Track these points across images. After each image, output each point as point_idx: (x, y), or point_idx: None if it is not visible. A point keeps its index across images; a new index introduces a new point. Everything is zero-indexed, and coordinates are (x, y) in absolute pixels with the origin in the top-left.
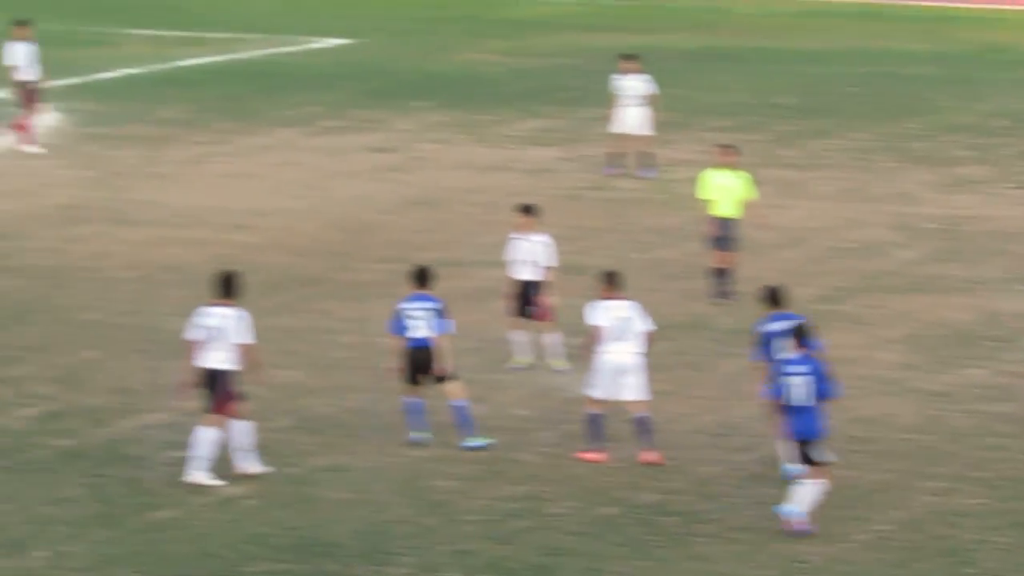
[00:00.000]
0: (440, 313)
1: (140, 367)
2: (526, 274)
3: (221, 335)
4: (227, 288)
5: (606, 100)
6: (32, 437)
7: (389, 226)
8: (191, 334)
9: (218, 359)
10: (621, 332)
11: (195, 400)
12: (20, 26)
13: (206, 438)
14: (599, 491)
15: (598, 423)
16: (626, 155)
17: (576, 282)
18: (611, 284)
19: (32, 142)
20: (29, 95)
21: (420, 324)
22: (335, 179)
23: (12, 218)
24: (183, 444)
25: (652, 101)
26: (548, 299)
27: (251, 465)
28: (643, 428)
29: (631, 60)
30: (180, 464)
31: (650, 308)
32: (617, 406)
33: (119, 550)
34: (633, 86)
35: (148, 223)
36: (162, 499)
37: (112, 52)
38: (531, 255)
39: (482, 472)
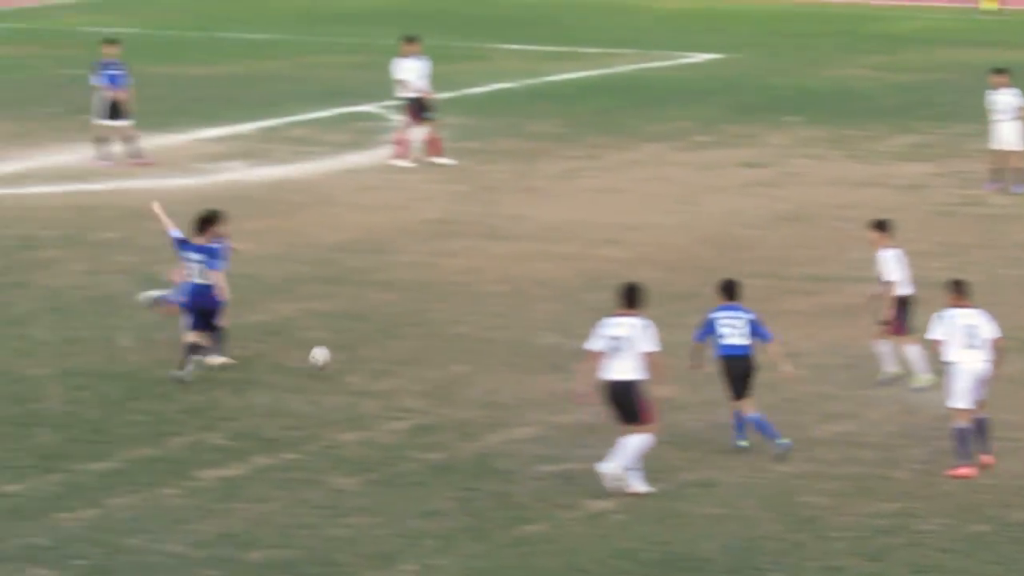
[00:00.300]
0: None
1: (509, 381)
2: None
3: (628, 345)
4: (632, 298)
5: (980, 115)
6: (402, 451)
7: (759, 241)
8: (594, 345)
9: (625, 369)
10: (970, 340)
11: (594, 410)
12: (409, 42)
13: (635, 445)
14: (971, 508)
15: (966, 437)
16: (1003, 170)
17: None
18: (959, 292)
19: (405, 157)
20: (415, 110)
21: (735, 333)
22: (705, 194)
23: (384, 232)
24: (553, 458)
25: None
26: (890, 312)
27: (637, 483)
28: (981, 430)
29: (1002, 74)
30: (550, 478)
31: (1021, 324)
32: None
33: (487, 564)
34: (1005, 101)
35: (518, 237)
36: (531, 513)
37: (485, 67)
38: (885, 270)
39: (852, 488)
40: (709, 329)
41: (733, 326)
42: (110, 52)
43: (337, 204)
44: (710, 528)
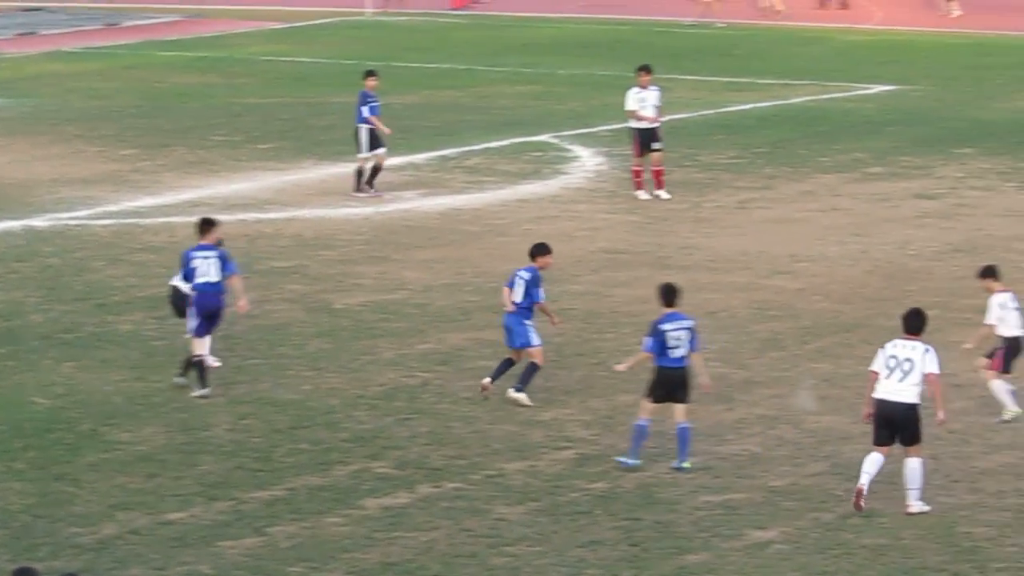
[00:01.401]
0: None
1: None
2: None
3: (911, 367)
4: (917, 323)
5: None
6: (566, 480)
7: (930, 273)
8: (875, 366)
9: (906, 392)
10: None
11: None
12: (644, 72)
13: (916, 468)
14: None
15: None
16: None
17: None
18: None
19: (641, 188)
20: (640, 141)
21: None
22: (878, 225)
23: (556, 261)
24: (716, 488)
25: None
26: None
27: (915, 503)
28: None
29: None
30: (711, 508)
31: None
32: None
33: None
34: None
35: (689, 268)
36: (692, 543)
37: (664, 97)
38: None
39: (1014, 520)
40: (658, 340)
41: (678, 338)
42: (372, 84)
43: (510, 234)
44: (872, 559)
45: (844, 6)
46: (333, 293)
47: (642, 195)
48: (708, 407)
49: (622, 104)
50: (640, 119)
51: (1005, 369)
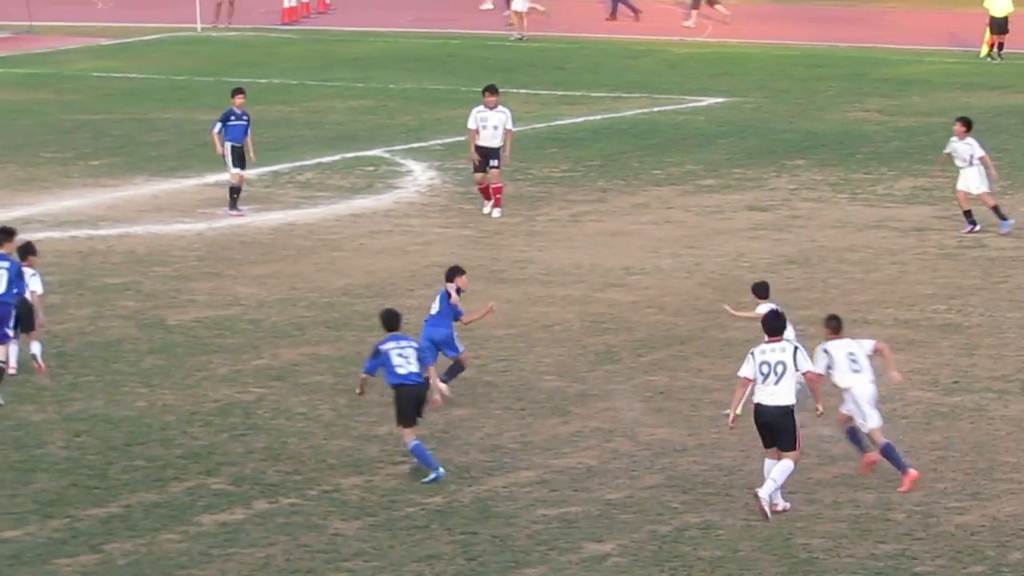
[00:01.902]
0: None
1: (512, 425)
2: None
3: (784, 369)
4: (777, 324)
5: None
6: (402, 494)
7: None
8: (744, 371)
9: (782, 395)
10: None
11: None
12: (489, 93)
13: (787, 467)
14: (968, 550)
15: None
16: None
17: (952, 340)
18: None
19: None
20: (483, 159)
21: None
22: (711, 237)
23: (390, 276)
24: (552, 501)
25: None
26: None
27: (766, 495)
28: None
29: (963, 123)
30: (548, 521)
31: (1022, 366)
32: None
33: None
34: (961, 148)
35: (523, 281)
36: (530, 557)
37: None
38: None
39: (850, 530)
40: (382, 361)
41: (405, 356)
42: (239, 102)
43: (343, 249)
44: (709, 571)
45: (636, 18)
46: (167, 309)
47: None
48: (543, 420)
49: (454, 118)
50: (478, 139)
51: None
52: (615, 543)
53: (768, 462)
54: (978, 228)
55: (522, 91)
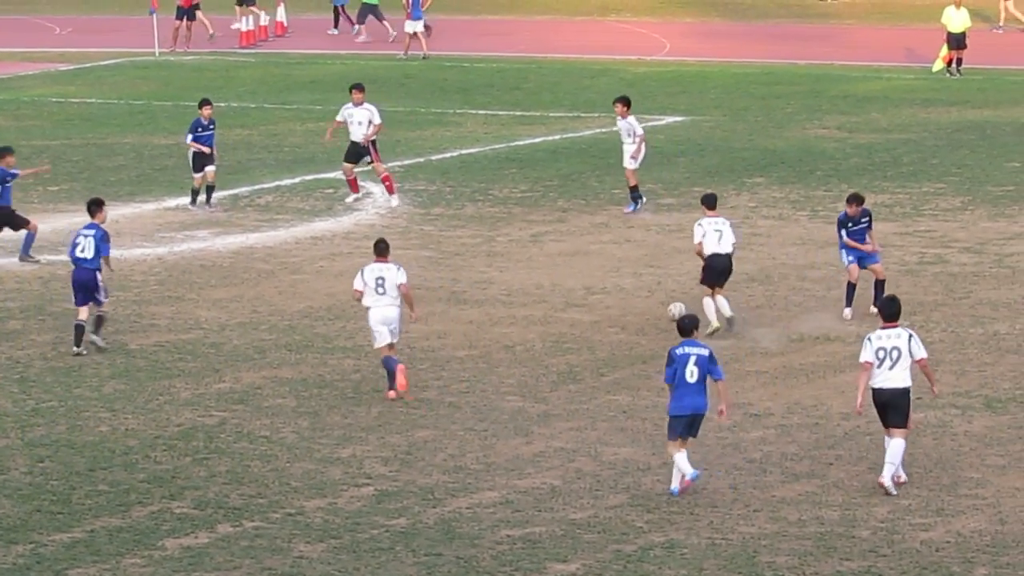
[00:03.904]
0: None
1: (475, 445)
2: None
3: (899, 355)
4: (893, 310)
5: (945, 174)
6: (366, 516)
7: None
8: (864, 356)
9: (898, 378)
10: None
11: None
12: (356, 90)
13: (900, 445)
14: (934, 566)
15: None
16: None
17: None
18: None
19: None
20: (354, 153)
21: None
22: (672, 256)
23: (350, 298)
24: (517, 522)
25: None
26: None
27: (888, 479)
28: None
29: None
30: (512, 542)
31: (985, 382)
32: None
33: None
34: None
35: (484, 302)
36: None
37: (452, 132)
38: None
39: (815, 548)
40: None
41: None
42: (206, 113)
43: (304, 271)
44: None
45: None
46: (128, 334)
47: (351, 199)
48: (506, 441)
49: (413, 140)
50: (332, 134)
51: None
52: (579, 563)
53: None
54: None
55: (480, 112)
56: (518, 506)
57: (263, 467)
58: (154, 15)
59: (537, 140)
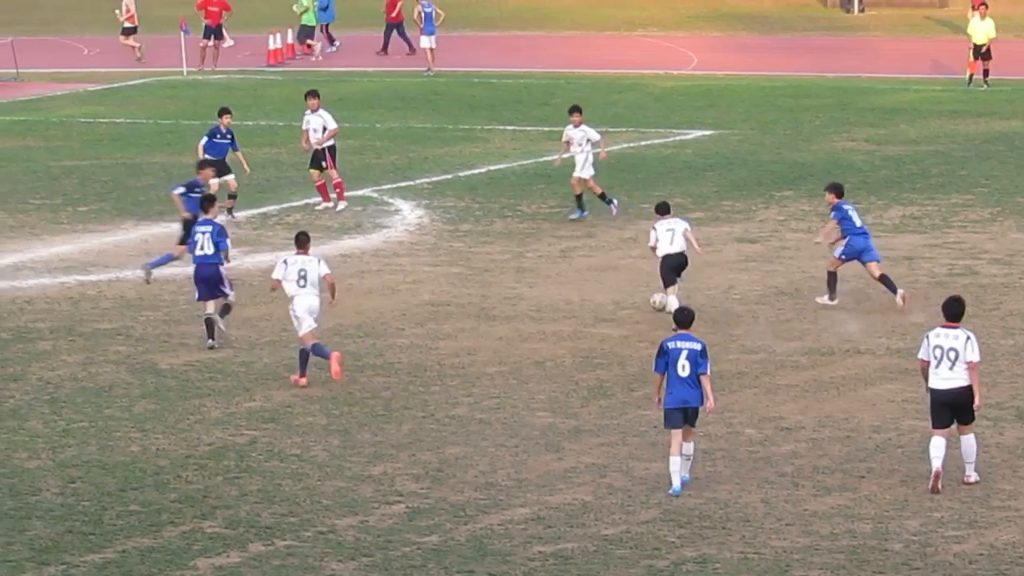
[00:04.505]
0: None
1: (506, 462)
2: None
3: (956, 356)
4: (957, 310)
5: (974, 186)
6: (398, 534)
7: (756, 316)
8: (921, 354)
9: (958, 378)
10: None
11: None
12: (311, 96)
13: (972, 443)
14: None
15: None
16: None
17: None
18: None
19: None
20: (314, 160)
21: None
22: (701, 270)
23: (380, 316)
24: (548, 538)
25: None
26: None
27: (973, 474)
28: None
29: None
30: (544, 558)
31: (1016, 393)
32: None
33: None
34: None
35: (513, 318)
36: None
37: (480, 148)
38: None
39: (848, 562)
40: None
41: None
42: (225, 121)
43: None
44: None
45: (411, 52)
46: (158, 353)
47: (321, 206)
48: (537, 457)
49: (441, 157)
50: (306, 141)
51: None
52: None
53: (936, 440)
54: (586, 215)
55: (508, 128)
56: (550, 522)
57: (294, 485)
58: (185, 35)
59: (566, 155)
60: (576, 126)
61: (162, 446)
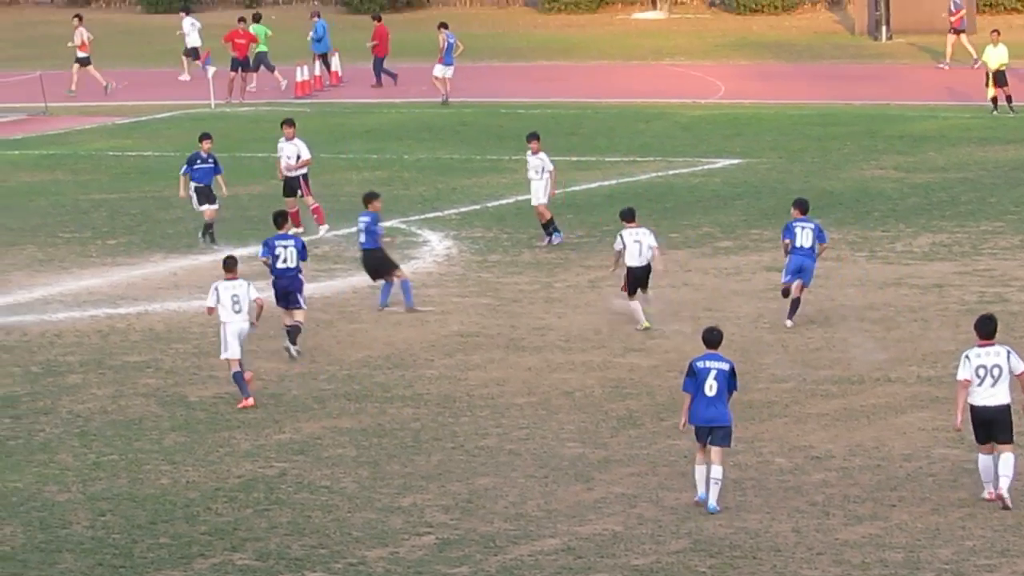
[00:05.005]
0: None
1: (535, 492)
2: None
3: (1000, 372)
4: (990, 327)
5: (1003, 213)
6: (428, 565)
7: (785, 345)
8: (962, 374)
9: (999, 395)
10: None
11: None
12: (287, 125)
13: (1011, 459)
14: None
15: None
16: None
17: None
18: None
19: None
20: (288, 188)
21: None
22: (729, 299)
23: (408, 347)
24: (578, 568)
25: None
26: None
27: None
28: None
29: None
30: None
31: None
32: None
33: None
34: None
35: (542, 348)
36: None
37: (508, 179)
38: None
39: None
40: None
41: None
42: (205, 147)
43: (361, 320)
44: None
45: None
46: (187, 386)
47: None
48: (567, 487)
49: (470, 187)
50: (279, 169)
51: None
52: None
53: (983, 458)
54: (561, 236)
55: None
56: (580, 553)
57: (324, 517)
58: (209, 68)
59: (593, 185)
60: (534, 153)
61: (192, 478)
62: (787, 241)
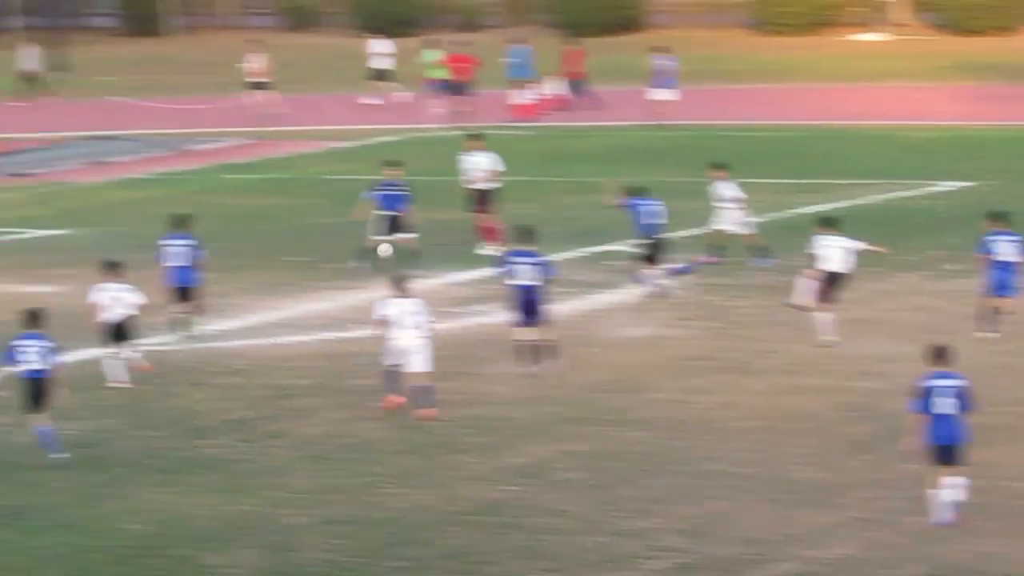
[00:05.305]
0: None
1: (769, 517)
2: None
3: None
4: None
5: None
6: None
7: (1020, 369)
8: None
9: None
10: None
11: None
12: (474, 139)
13: None
14: None
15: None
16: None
17: None
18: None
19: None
20: (479, 200)
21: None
22: (960, 323)
23: (636, 370)
24: None
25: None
26: None
27: None
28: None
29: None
30: None
31: None
32: None
33: None
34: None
35: (771, 372)
36: None
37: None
38: None
39: None
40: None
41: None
42: (389, 173)
43: (589, 344)
44: None
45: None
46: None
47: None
48: (801, 511)
49: (692, 211)
50: (467, 180)
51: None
52: None
53: None
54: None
55: (759, 180)
56: None
57: (557, 541)
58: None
59: (818, 207)
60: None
61: (425, 502)
62: (987, 255)
